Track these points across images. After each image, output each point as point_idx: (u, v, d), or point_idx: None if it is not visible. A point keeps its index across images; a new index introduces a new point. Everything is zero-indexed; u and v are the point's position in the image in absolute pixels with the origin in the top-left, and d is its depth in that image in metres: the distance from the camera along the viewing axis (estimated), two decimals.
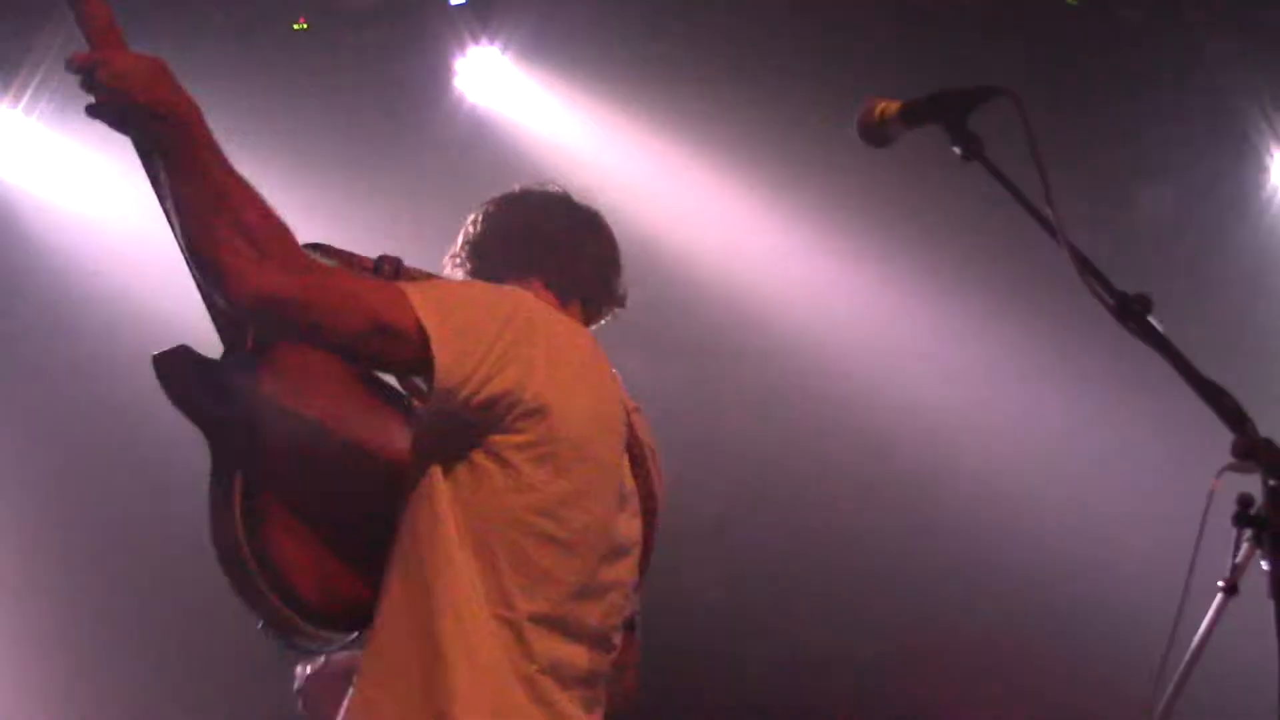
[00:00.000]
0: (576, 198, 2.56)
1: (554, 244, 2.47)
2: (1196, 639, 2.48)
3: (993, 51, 4.64)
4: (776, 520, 5.11)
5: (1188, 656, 2.51)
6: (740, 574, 5.16)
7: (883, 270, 4.95)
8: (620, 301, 2.54)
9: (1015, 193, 2.14)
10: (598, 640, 2.18)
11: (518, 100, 4.75)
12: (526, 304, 2.22)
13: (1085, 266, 2.04)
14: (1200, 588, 2.38)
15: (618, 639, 2.29)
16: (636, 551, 2.31)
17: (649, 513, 2.36)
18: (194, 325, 2.26)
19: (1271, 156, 5.05)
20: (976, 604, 5.02)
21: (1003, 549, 4.95)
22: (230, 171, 2.00)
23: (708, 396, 5.15)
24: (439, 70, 4.68)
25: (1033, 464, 4.97)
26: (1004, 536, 4.95)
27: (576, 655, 2.16)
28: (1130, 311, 2.05)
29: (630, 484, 2.33)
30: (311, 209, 2.80)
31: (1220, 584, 2.37)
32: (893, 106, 2.32)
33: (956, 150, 2.24)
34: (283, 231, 2.00)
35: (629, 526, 2.25)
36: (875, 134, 2.33)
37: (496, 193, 2.55)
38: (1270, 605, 1.82)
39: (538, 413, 2.12)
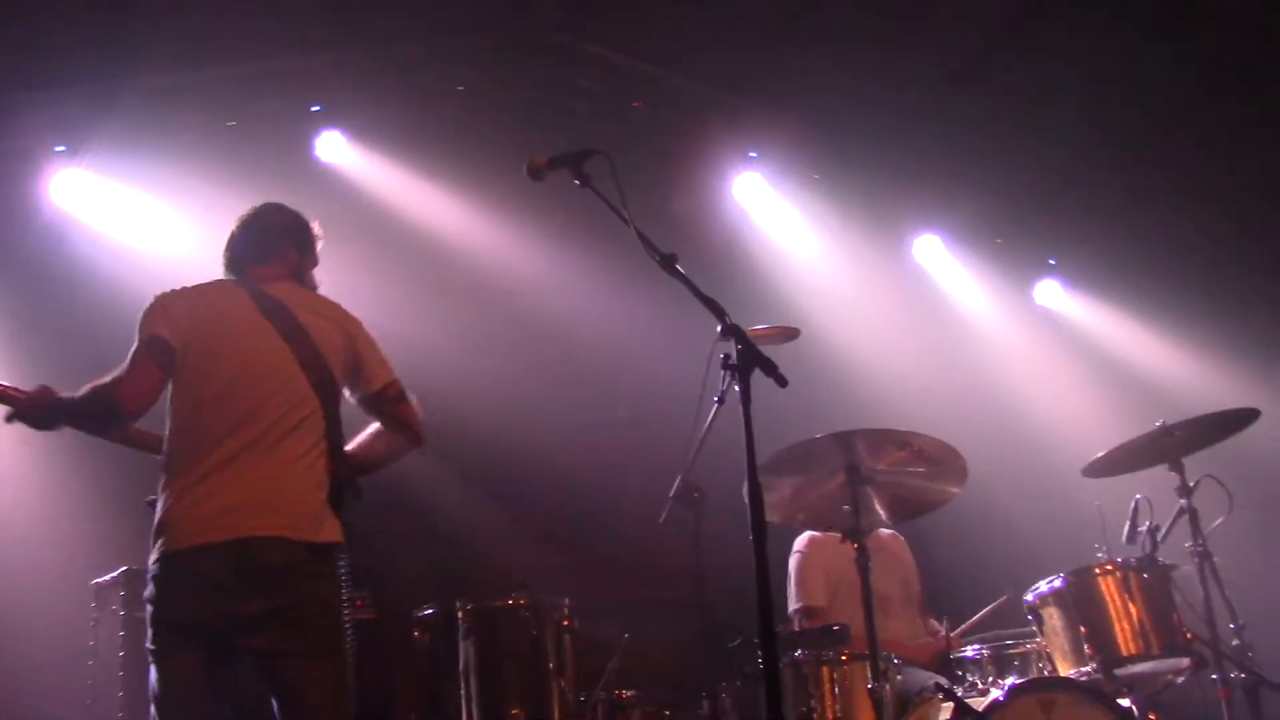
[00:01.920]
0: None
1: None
2: (704, 427, 4.14)
3: (605, 132, 6.76)
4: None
5: (701, 435, 4.22)
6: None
7: (557, 245, 6.98)
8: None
9: (609, 204, 3.31)
10: None
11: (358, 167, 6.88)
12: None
13: (644, 238, 3.19)
14: (706, 403, 3.92)
15: None
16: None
17: None
18: None
19: (731, 181, 7.55)
20: (590, 414, 7.11)
21: (608, 382, 7.20)
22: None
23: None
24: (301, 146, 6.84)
25: (630, 345, 7.06)
26: (610, 376, 7.17)
27: None
28: (667, 261, 3.20)
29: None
30: None
31: (715, 399, 3.80)
32: (543, 159, 3.42)
33: (577, 182, 3.37)
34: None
35: None
36: (535, 173, 3.42)
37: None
38: (740, 409, 3.01)
39: None
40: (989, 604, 5.86)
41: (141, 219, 6.66)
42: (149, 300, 3.75)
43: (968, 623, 5.72)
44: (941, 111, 7.31)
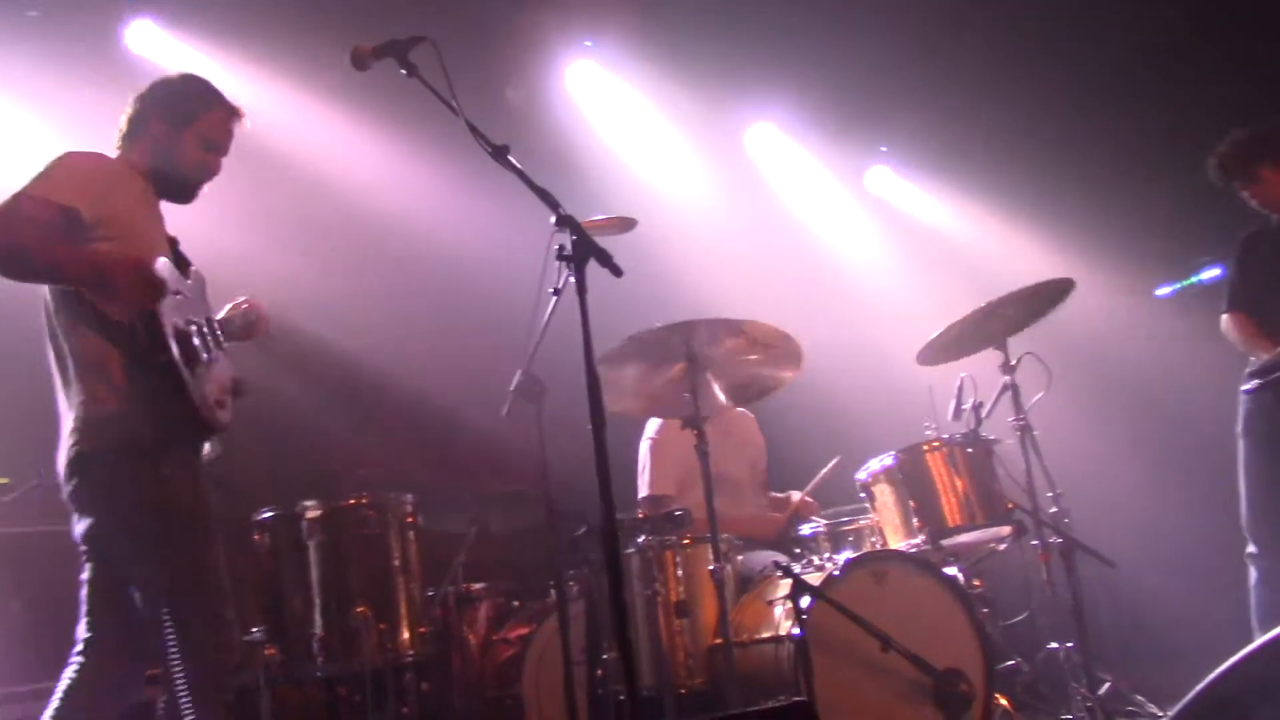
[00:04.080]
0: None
1: None
2: (543, 320, 4.17)
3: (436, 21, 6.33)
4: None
5: (541, 327, 4.25)
6: None
7: (388, 138, 6.80)
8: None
9: (438, 94, 3.23)
10: None
11: (173, 56, 6.26)
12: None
13: (474, 129, 3.17)
14: (544, 295, 3.89)
15: None
16: None
17: None
18: None
19: (565, 71, 7.49)
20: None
21: (445, 276, 7.00)
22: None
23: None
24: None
25: (466, 238, 6.94)
26: (447, 270, 6.95)
27: None
28: (499, 153, 3.21)
29: None
30: None
31: (551, 290, 3.81)
32: (368, 47, 3.37)
33: (403, 72, 3.28)
34: None
35: None
36: (359, 62, 3.36)
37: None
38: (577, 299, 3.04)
39: None
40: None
41: None
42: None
43: (809, 485, 5.89)
44: None
